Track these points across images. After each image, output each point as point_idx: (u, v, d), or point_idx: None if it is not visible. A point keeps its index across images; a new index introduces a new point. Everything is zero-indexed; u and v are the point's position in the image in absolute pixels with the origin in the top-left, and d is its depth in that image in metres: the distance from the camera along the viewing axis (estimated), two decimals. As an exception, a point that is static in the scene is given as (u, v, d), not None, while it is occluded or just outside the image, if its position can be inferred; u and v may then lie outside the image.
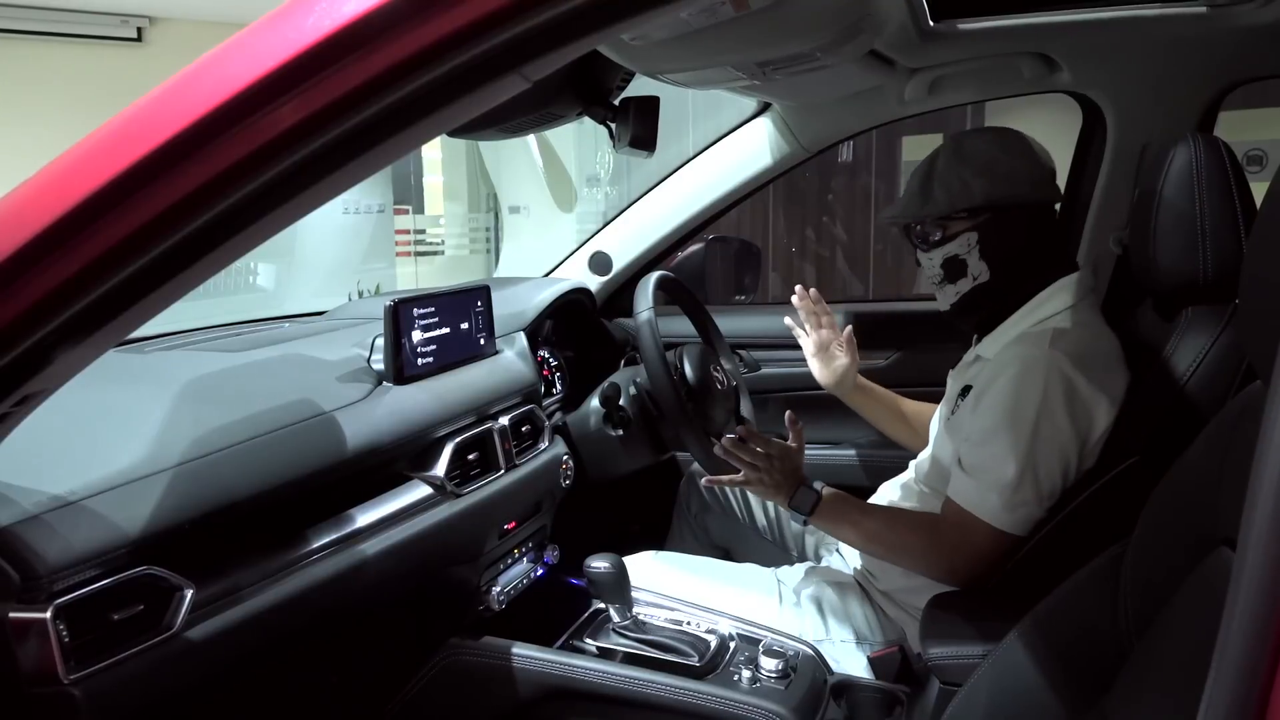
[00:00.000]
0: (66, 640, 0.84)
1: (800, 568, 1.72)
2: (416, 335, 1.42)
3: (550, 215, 5.66)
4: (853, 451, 2.14)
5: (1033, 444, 1.32)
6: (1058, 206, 1.53)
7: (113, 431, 1.03)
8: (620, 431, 1.74)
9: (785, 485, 1.47)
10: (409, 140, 0.65)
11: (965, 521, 1.35)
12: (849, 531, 1.48)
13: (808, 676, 1.41)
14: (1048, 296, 1.44)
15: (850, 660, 1.51)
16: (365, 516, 1.24)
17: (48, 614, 0.83)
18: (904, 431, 1.86)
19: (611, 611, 1.51)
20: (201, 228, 0.63)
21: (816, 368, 1.84)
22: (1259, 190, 0.89)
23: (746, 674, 1.39)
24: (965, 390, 1.49)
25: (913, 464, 1.68)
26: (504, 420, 1.55)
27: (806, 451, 1.53)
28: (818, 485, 1.47)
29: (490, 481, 1.48)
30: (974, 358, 1.53)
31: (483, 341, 1.60)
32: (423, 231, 6.23)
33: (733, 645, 1.48)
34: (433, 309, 1.46)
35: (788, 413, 1.53)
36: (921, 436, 1.76)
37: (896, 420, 1.86)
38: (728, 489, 1.94)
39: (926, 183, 1.48)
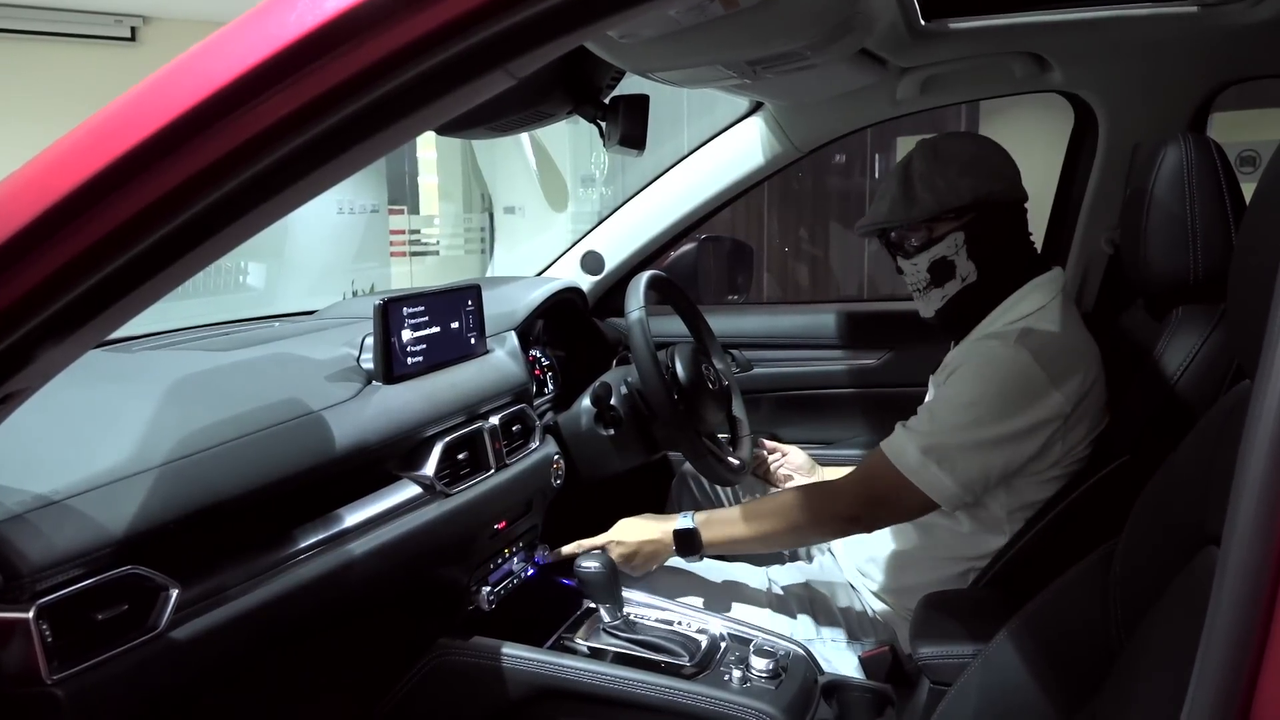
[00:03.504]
0: (50, 640, 0.83)
1: (791, 567, 1.72)
2: (406, 334, 1.42)
3: (545, 215, 5.66)
4: (845, 452, 2.14)
5: (973, 429, 1.34)
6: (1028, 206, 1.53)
7: (98, 430, 1.03)
8: (611, 431, 1.73)
9: (652, 551, 1.56)
10: (394, 136, 0.65)
11: (878, 462, 1.40)
12: (739, 540, 1.54)
13: (798, 676, 1.40)
14: (1022, 295, 1.45)
15: (841, 660, 1.51)
16: (354, 516, 1.23)
17: (30, 614, 0.82)
18: None
19: (602, 611, 1.51)
20: (184, 224, 0.63)
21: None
22: (1252, 191, 0.89)
23: (737, 674, 1.39)
24: None
25: None
26: (494, 420, 1.55)
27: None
28: (684, 527, 1.53)
29: (480, 481, 1.47)
30: (950, 360, 1.53)
31: (473, 341, 1.59)
32: (417, 231, 6.22)
33: (723, 645, 1.48)
34: (423, 308, 1.45)
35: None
36: None
37: None
38: (720, 490, 1.94)
39: (907, 187, 1.47)
